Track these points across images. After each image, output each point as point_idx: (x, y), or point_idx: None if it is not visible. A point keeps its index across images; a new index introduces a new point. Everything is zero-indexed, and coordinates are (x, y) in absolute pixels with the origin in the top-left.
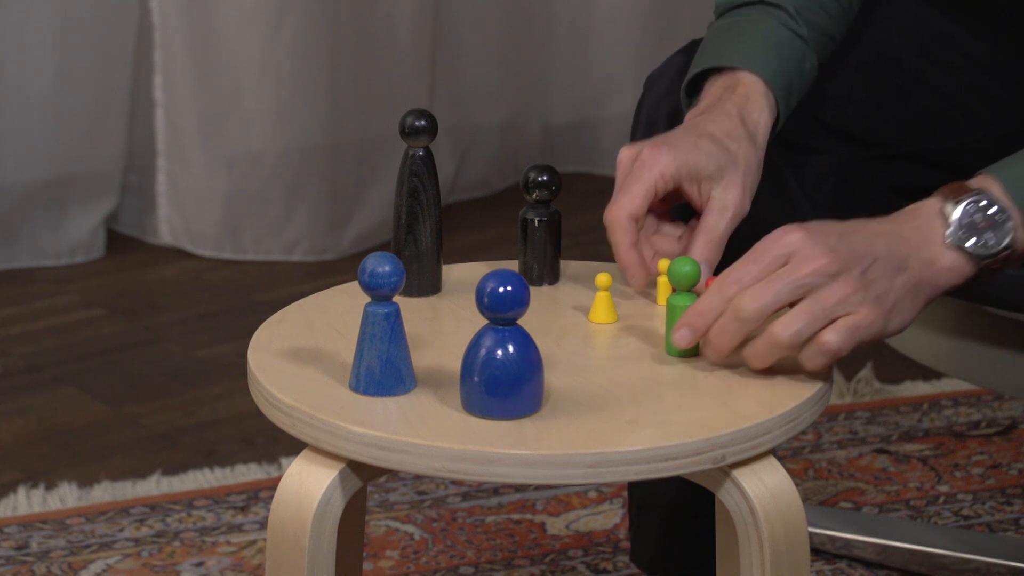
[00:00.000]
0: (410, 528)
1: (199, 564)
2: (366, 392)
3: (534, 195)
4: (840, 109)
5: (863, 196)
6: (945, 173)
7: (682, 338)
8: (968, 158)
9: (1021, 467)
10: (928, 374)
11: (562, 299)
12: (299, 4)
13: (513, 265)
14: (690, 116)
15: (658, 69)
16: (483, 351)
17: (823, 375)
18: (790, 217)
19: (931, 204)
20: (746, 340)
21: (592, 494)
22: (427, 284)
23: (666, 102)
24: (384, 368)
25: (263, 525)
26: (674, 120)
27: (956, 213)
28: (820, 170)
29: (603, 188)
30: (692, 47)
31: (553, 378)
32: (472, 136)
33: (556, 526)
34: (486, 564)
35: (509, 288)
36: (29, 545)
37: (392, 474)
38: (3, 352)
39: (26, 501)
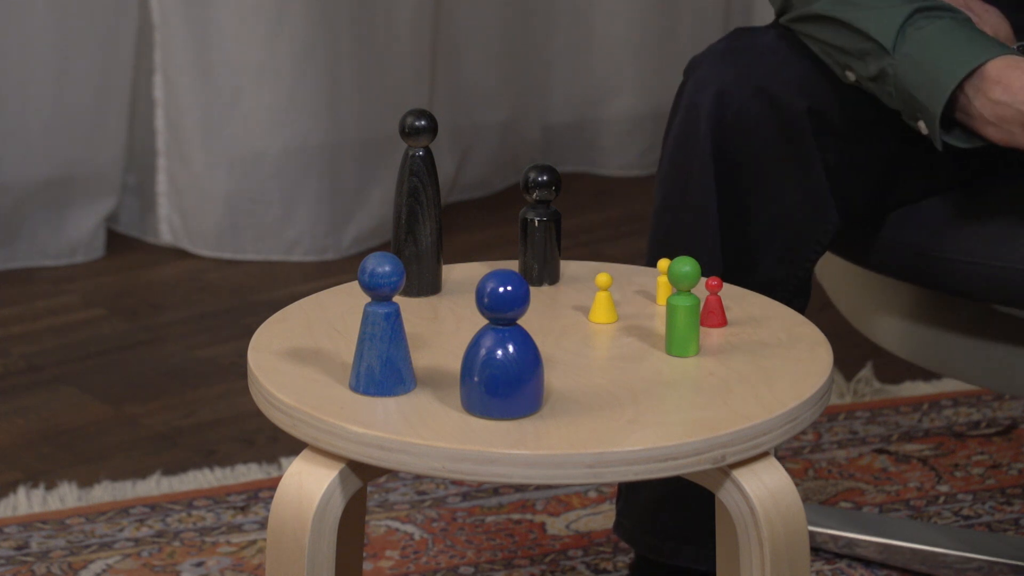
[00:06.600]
0: (410, 528)
1: (199, 564)
2: (366, 392)
3: (534, 195)
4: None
5: (903, 186)
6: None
7: None
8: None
9: (1021, 467)
10: (928, 374)
11: (562, 299)
12: (299, 4)
13: (513, 265)
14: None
15: (699, 55)
16: (483, 351)
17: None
18: (815, 210)
19: None
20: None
21: (592, 494)
22: (427, 284)
23: (709, 84)
24: (384, 368)
25: (263, 525)
26: (720, 101)
27: None
28: (869, 157)
29: (603, 188)
30: (736, 35)
31: (553, 378)
32: (472, 136)
33: (556, 526)
34: (486, 564)
35: (509, 288)
36: (29, 545)
37: (392, 474)
38: (3, 352)
39: (26, 501)
